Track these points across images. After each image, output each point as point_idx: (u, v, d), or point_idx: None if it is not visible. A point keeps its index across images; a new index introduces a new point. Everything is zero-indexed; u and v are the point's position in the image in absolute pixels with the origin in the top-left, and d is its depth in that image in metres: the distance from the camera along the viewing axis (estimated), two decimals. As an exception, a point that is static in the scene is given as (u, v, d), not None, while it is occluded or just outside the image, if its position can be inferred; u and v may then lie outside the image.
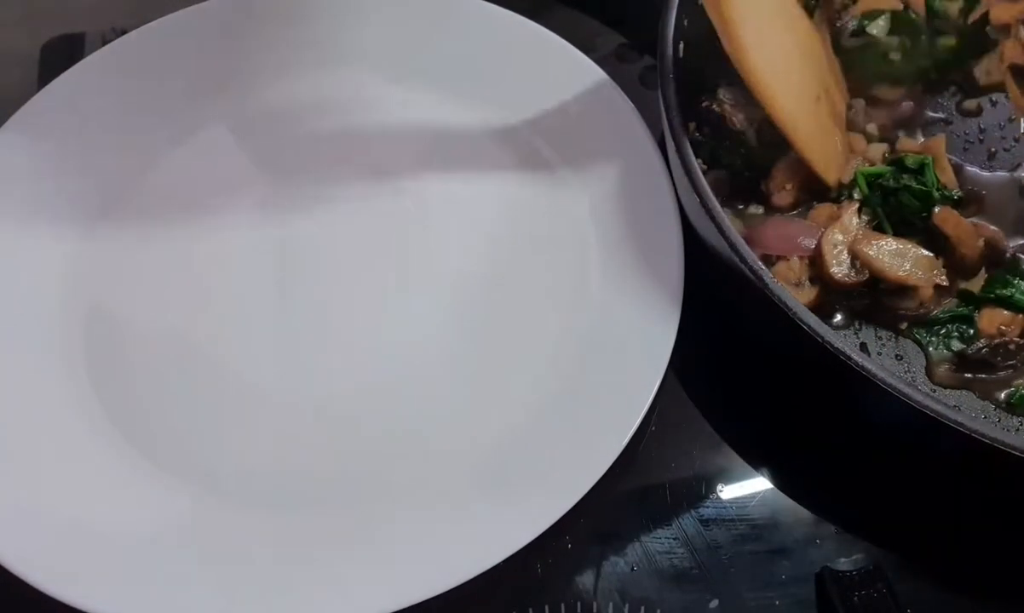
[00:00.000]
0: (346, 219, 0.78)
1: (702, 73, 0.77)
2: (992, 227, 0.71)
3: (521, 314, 0.74)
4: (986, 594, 0.66)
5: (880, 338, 0.70)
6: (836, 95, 0.75)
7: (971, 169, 0.75)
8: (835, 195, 0.73)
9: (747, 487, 0.69)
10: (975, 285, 0.69)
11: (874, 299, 0.70)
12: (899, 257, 0.68)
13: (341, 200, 0.79)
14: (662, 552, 0.66)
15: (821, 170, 0.71)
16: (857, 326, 0.70)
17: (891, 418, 0.59)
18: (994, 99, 0.79)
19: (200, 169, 0.76)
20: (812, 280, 0.70)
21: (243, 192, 0.79)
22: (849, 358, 0.56)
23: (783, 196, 0.72)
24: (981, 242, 0.69)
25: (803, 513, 0.68)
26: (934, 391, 0.67)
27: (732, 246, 0.60)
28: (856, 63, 0.79)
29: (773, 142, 0.74)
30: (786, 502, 0.68)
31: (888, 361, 0.68)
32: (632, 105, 0.80)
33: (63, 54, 0.90)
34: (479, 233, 0.78)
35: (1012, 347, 0.67)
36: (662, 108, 0.67)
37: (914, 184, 0.69)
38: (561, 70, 0.83)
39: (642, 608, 0.63)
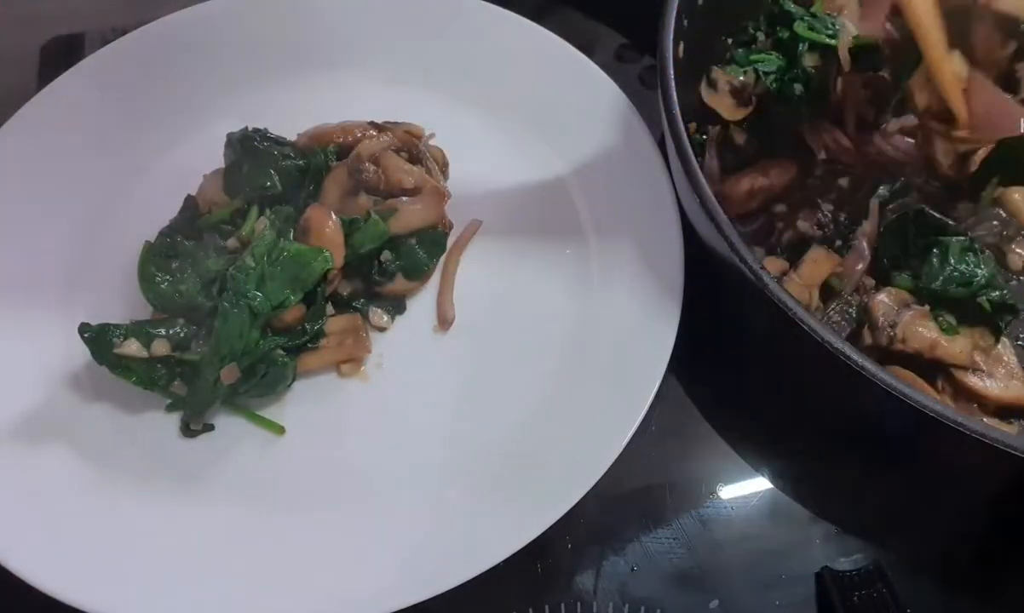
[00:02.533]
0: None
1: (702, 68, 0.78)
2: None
3: (521, 315, 0.74)
4: (986, 594, 0.66)
5: (880, 338, 0.69)
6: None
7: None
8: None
9: (747, 487, 0.69)
10: None
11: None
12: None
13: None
14: (662, 552, 0.66)
15: (950, 96, 0.69)
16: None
17: (891, 418, 0.59)
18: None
19: (200, 169, 0.76)
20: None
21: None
22: (849, 358, 0.56)
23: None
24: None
25: (803, 513, 0.68)
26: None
27: (732, 246, 0.60)
28: None
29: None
30: (786, 502, 0.68)
31: (888, 361, 0.68)
32: (632, 105, 0.80)
33: (63, 54, 0.90)
34: (478, 235, 0.78)
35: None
36: (662, 108, 0.67)
37: None
38: (561, 71, 0.83)
39: (642, 608, 0.63)
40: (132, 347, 0.65)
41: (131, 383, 0.66)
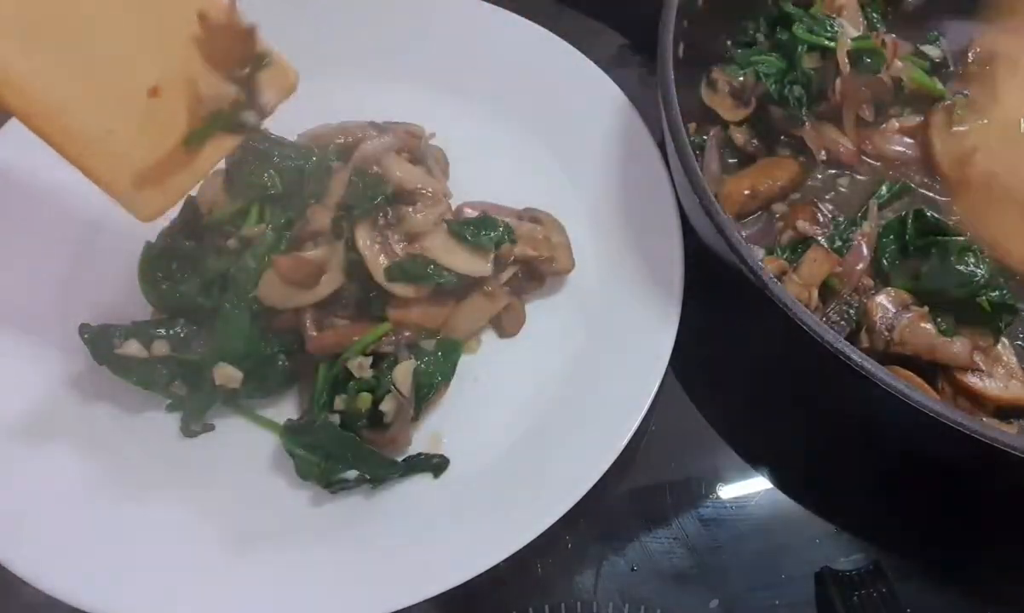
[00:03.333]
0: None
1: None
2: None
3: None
4: (985, 594, 0.66)
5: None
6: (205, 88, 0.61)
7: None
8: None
9: (747, 487, 0.69)
10: None
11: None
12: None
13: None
14: (662, 552, 0.66)
15: (114, 190, 0.58)
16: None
17: (891, 418, 0.59)
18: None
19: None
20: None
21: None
22: (849, 358, 0.56)
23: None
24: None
25: (803, 513, 0.68)
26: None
27: (732, 246, 0.61)
28: None
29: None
30: (786, 502, 0.69)
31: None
32: (632, 105, 0.80)
33: (63, 54, 0.90)
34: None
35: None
36: (662, 108, 0.67)
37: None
38: (562, 71, 0.83)
39: (642, 608, 0.63)
40: (132, 347, 0.65)
41: (131, 383, 0.66)
